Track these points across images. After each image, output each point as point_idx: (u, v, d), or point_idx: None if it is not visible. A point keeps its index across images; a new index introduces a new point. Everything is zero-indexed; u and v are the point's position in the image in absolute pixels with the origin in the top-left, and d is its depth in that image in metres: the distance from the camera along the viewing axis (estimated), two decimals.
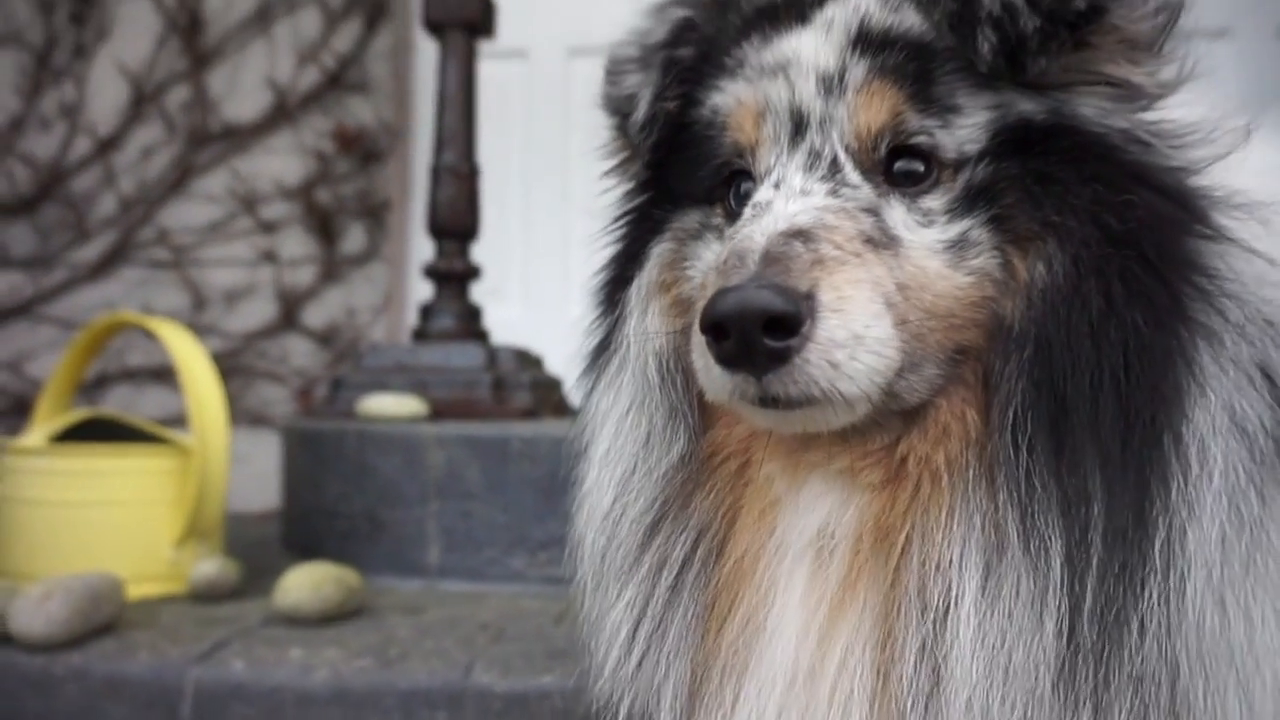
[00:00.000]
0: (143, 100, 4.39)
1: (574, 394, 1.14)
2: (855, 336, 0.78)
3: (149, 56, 4.38)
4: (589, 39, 4.39)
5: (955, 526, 0.83)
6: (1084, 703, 0.78)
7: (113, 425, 2.46)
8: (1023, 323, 0.83)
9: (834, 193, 0.87)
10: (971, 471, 0.84)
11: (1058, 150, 0.85)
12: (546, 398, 3.01)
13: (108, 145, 4.40)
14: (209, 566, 2.22)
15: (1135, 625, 0.78)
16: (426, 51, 4.05)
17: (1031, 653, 0.79)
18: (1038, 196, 0.84)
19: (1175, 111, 0.89)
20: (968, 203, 0.87)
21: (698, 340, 0.82)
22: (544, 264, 4.46)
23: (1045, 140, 0.85)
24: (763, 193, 0.89)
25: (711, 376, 0.83)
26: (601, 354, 1.07)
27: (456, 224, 3.10)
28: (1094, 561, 0.79)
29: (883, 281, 0.82)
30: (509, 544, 2.50)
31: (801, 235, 0.81)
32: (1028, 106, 0.86)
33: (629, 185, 1.11)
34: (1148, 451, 0.79)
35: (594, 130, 1.14)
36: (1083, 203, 0.82)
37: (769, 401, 0.80)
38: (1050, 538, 0.80)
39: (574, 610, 1.08)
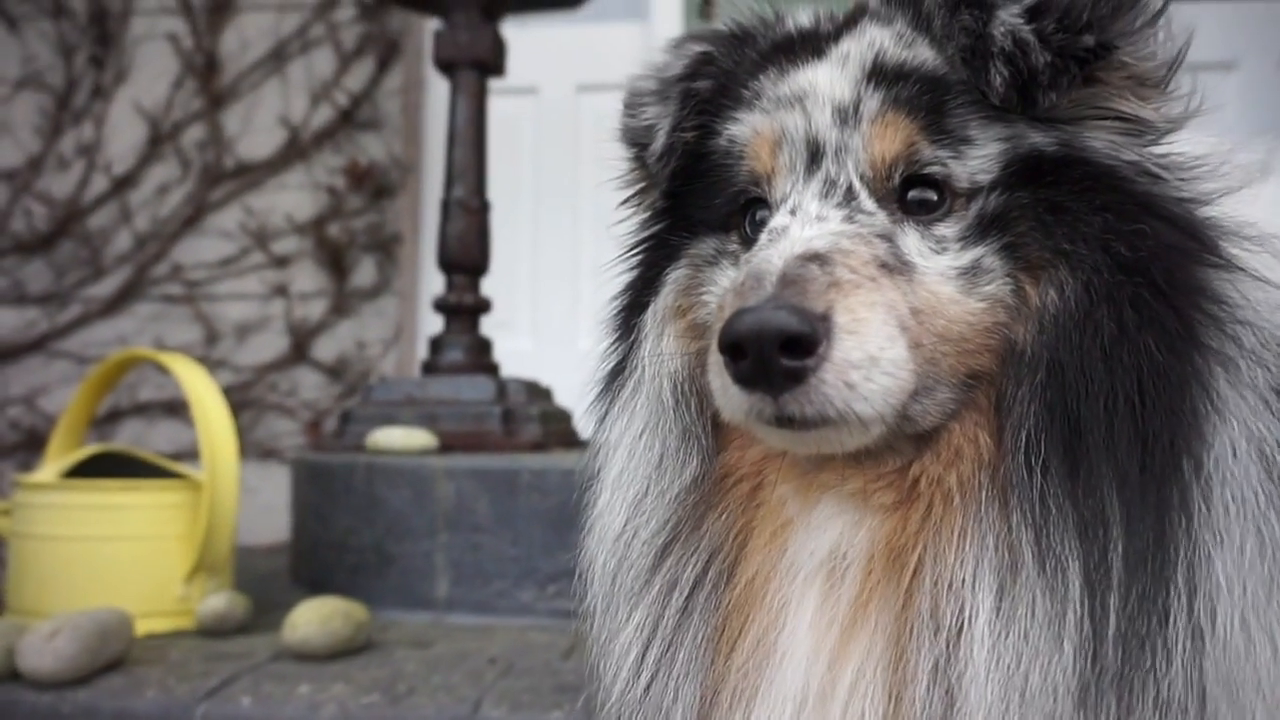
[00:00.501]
0: (159, 140, 4.47)
1: (586, 421, 1.15)
2: (871, 358, 0.79)
3: (166, 97, 4.47)
4: (597, 75, 4.45)
5: (968, 547, 0.83)
6: None
7: (124, 460, 2.48)
8: (1035, 347, 0.84)
9: (849, 219, 0.89)
10: (984, 493, 0.84)
11: (1068, 181, 0.86)
12: (556, 430, 3.01)
13: (124, 183, 4.47)
14: (218, 601, 2.22)
15: (1161, 650, 0.77)
16: (437, 88, 4.11)
17: (1049, 675, 0.78)
18: (1049, 225, 0.86)
19: (1184, 145, 0.91)
20: (980, 231, 0.88)
21: (715, 361, 0.83)
22: (553, 296, 4.49)
23: (1056, 171, 0.87)
24: (779, 219, 0.91)
25: (729, 396, 0.83)
26: (616, 378, 1.08)
27: (466, 258, 3.12)
28: (1115, 583, 0.78)
29: (897, 305, 0.83)
30: (518, 577, 2.50)
31: (817, 259, 0.83)
32: (1039, 139, 0.88)
33: (646, 214, 1.13)
34: (1167, 475, 0.79)
35: (603, 165, 1.17)
36: (1094, 231, 0.84)
37: (785, 421, 0.81)
38: (1067, 559, 0.79)
39: (583, 635, 1.08)
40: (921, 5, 0.94)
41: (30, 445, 4.33)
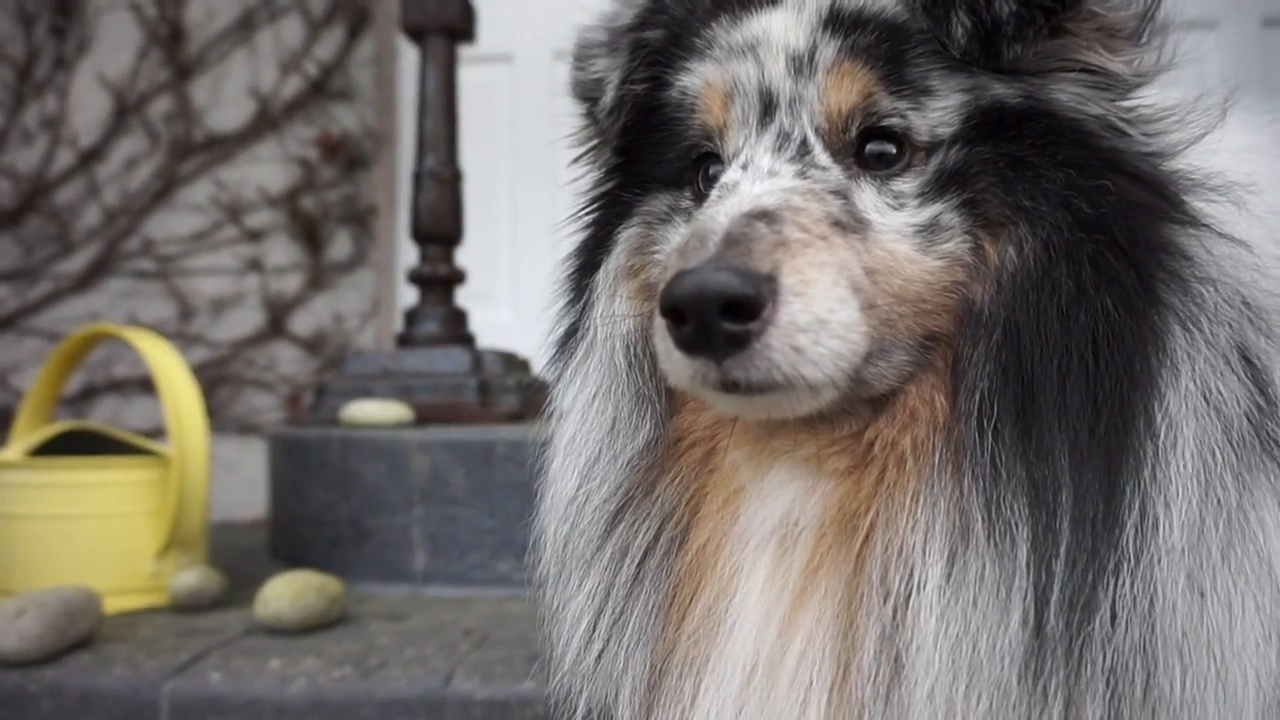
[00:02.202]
0: (125, 112, 4.38)
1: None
2: (819, 320, 0.76)
3: (131, 68, 4.37)
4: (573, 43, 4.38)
5: (919, 512, 0.81)
6: (1054, 695, 0.76)
7: (94, 437, 2.44)
8: (992, 307, 0.82)
9: (802, 174, 0.85)
10: (938, 456, 0.82)
11: (1031, 135, 0.84)
12: (533, 401, 2.99)
13: (90, 157, 4.39)
14: (190, 577, 2.20)
15: (1107, 614, 0.76)
16: (409, 57, 4.03)
17: (997, 642, 0.77)
18: (1010, 181, 0.83)
19: (1152, 96, 0.88)
20: (939, 186, 0.86)
21: (659, 324, 0.80)
22: (532, 266, 4.45)
23: (1019, 125, 0.84)
24: (730, 174, 0.87)
25: (672, 360, 0.81)
26: (569, 341, 1.06)
27: (440, 229, 3.08)
28: (1062, 548, 0.77)
29: (849, 265, 0.80)
30: (495, 548, 2.48)
31: (765, 216, 0.79)
32: (1002, 91, 0.85)
33: (599, 171, 1.09)
34: (1117, 436, 0.77)
35: (571, 134, 1.13)
36: (1055, 188, 0.81)
37: (730, 387, 0.78)
38: (1016, 524, 0.78)
39: (537, 603, 1.06)
40: None
41: (3, 423, 4.28)
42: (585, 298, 1.03)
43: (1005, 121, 0.85)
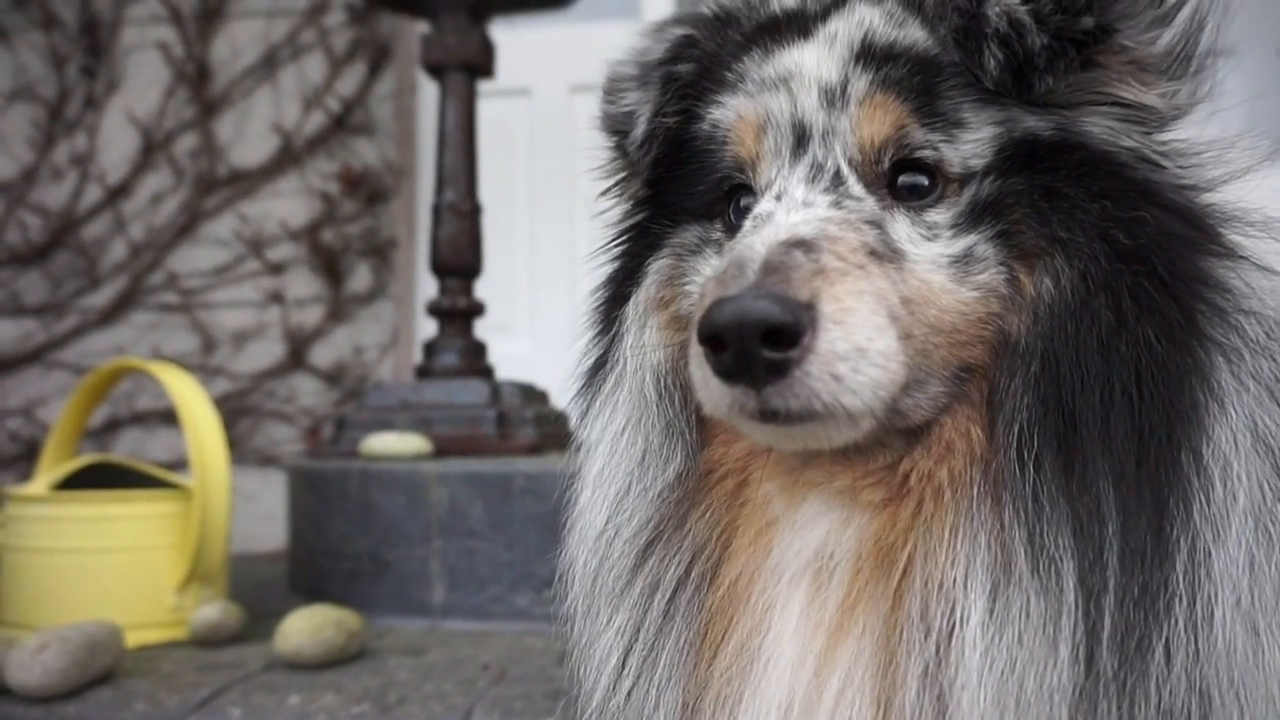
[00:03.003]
0: (152, 149, 4.47)
1: (570, 416, 1.12)
2: (858, 349, 0.75)
3: (158, 106, 4.47)
4: (591, 75, 4.42)
5: (959, 545, 0.80)
6: None
7: (118, 470, 2.46)
8: (1029, 339, 0.81)
9: (837, 204, 0.85)
10: (976, 489, 0.81)
11: (1065, 166, 0.84)
12: (551, 433, 3.00)
13: (118, 193, 4.47)
14: (211, 611, 2.21)
15: (1160, 652, 0.74)
16: (430, 91, 4.10)
17: (1045, 680, 0.75)
18: (1045, 212, 0.83)
19: (1188, 131, 0.88)
20: (973, 218, 0.85)
21: (695, 352, 0.80)
22: (550, 298, 4.48)
23: (1053, 157, 0.84)
24: (764, 205, 0.88)
25: (710, 389, 0.80)
26: (598, 373, 1.05)
27: (459, 261, 3.11)
28: (1111, 584, 0.75)
29: (886, 294, 0.80)
30: (513, 582, 2.48)
31: (803, 245, 0.79)
32: (1034, 123, 0.85)
33: (628, 203, 1.10)
34: (1165, 469, 0.76)
35: (598, 166, 1.13)
36: (1091, 219, 0.81)
37: (769, 416, 0.77)
38: (1061, 558, 0.76)
39: (565, 638, 1.05)
40: None
41: (29, 456, 4.33)
42: (615, 329, 1.03)
43: (1039, 153, 0.85)
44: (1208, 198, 0.84)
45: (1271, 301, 0.80)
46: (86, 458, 2.47)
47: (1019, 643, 0.76)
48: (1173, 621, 0.74)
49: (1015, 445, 0.79)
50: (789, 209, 0.85)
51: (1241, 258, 0.81)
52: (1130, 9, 0.85)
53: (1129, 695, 0.74)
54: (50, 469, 2.43)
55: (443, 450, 2.79)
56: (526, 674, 1.96)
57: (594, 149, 1.13)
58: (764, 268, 0.77)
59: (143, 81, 4.46)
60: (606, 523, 0.98)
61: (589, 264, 1.12)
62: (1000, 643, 0.77)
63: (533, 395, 3.13)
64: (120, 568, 2.21)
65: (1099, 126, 0.85)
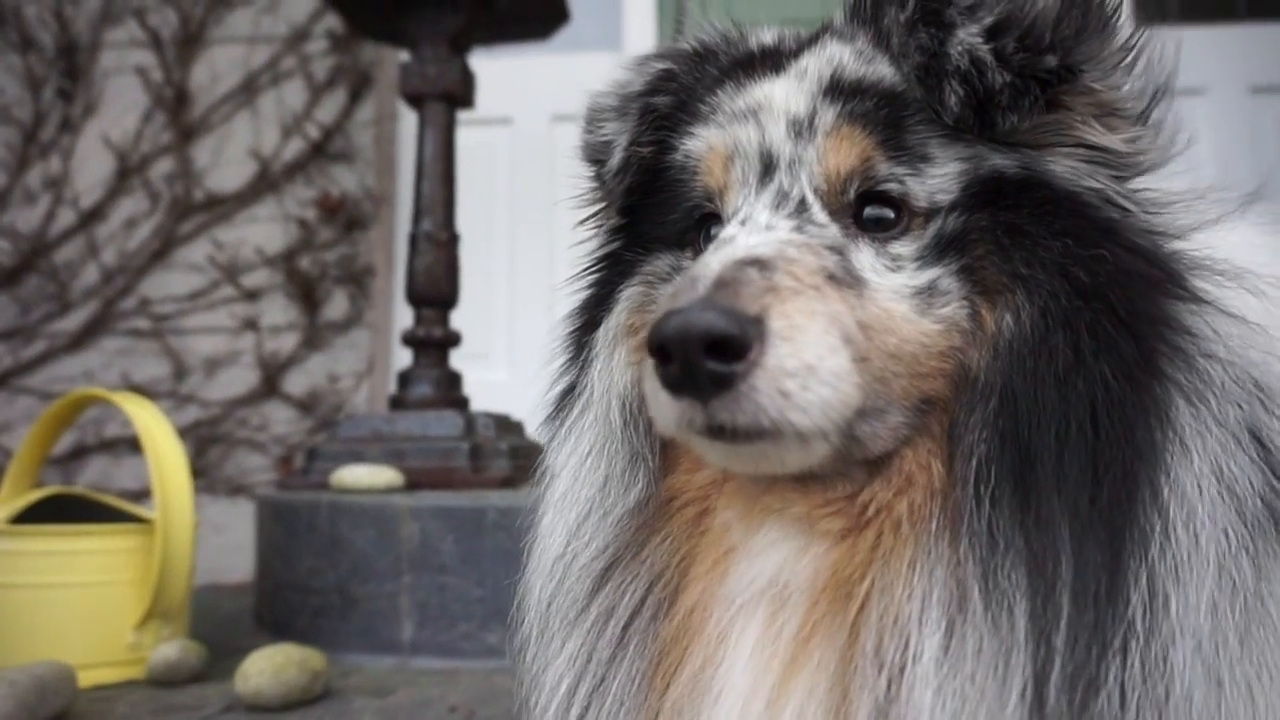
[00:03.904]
0: (127, 173, 4.43)
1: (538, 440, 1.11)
2: (807, 366, 0.75)
3: (135, 130, 4.43)
4: (572, 106, 4.44)
5: (916, 580, 0.79)
6: None
7: (80, 502, 2.40)
8: (988, 374, 0.81)
9: (799, 229, 0.86)
10: (935, 523, 0.80)
11: (1029, 204, 0.84)
12: (526, 465, 2.95)
13: (91, 217, 4.42)
14: (170, 650, 2.14)
15: (1115, 694, 0.72)
16: (410, 119, 4.08)
17: (995, 718, 0.73)
18: (1007, 249, 0.83)
19: (1158, 181, 0.88)
20: (938, 252, 0.86)
21: (647, 366, 0.79)
22: (529, 326, 4.45)
23: (1017, 194, 0.85)
24: (728, 230, 0.88)
25: (659, 403, 0.79)
26: (565, 399, 1.04)
27: (435, 291, 3.08)
28: (1062, 622, 0.73)
29: (841, 317, 0.79)
30: (484, 618, 2.43)
31: (758, 263, 0.79)
32: (1000, 161, 0.86)
33: (604, 232, 1.10)
34: (1120, 507, 0.75)
35: (577, 195, 1.14)
36: (1052, 256, 0.81)
37: (717, 432, 0.77)
38: (1014, 594, 0.75)
39: (518, 666, 1.02)
40: (882, 22, 0.92)
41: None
42: (584, 355, 1.03)
43: (1004, 190, 0.85)
44: (1175, 244, 0.84)
45: (1238, 348, 0.79)
46: (46, 489, 2.41)
47: (971, 681, 0.75)
48: (1128, 664, 0.72)
49: (973, 480, 0.78)
50: (750, 232, 0.86)
51: (1205, 302, 0.80)
52: (1095, 51, 0.85)
53: None
54: (9, 501, 2.36)
55: (415, 483, 2.74)
56: (494, 716, 1.91)
57: (575, 179, 1.14)
58: (716, 283, 0.77)
59: (120, 105, 4.42)
60: (565, 547, 0.96)
61: (567, 293, 1.12)
62: (953, 680, 0.75)
63: (508, 427, 3.09)
64: (78, 604, 2.15)
65: (1063, 167, 0.86)
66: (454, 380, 3.13)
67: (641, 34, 4.53)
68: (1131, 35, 0.88)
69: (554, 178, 4.48)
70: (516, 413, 3.17)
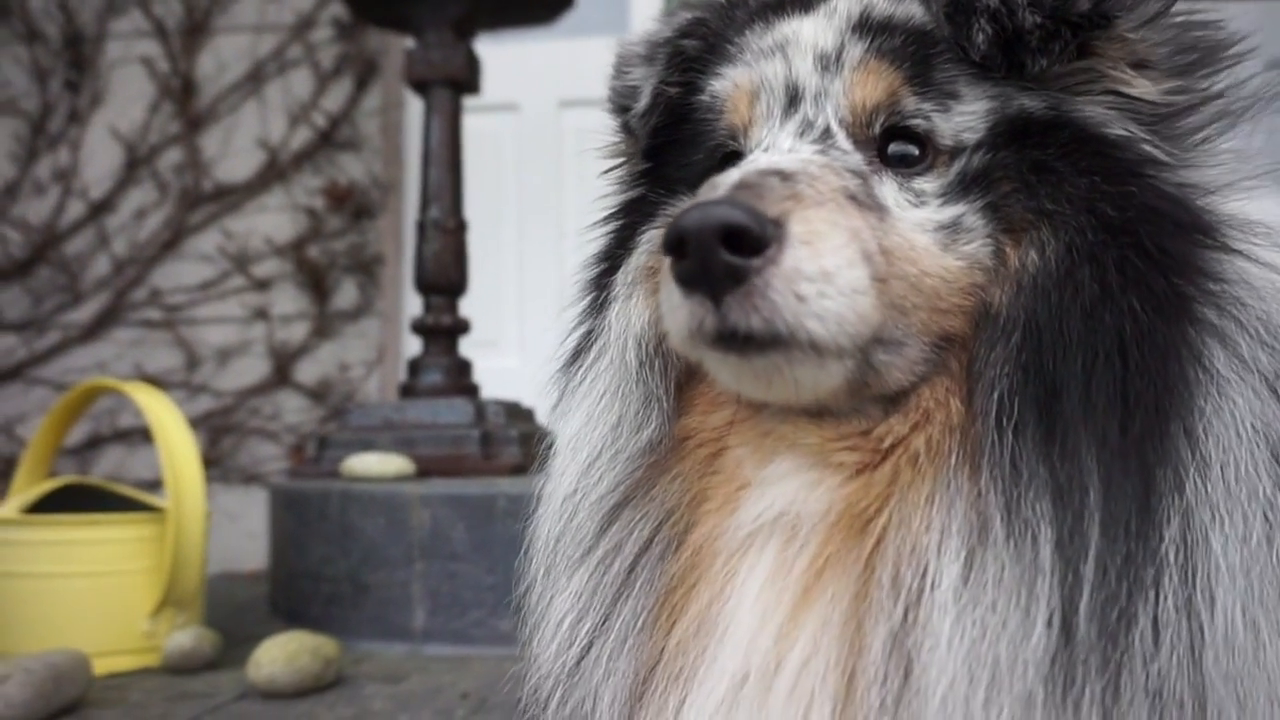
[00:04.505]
0: (136, 163, 4.43)
1: (552, 391, 1.08)
2: (824, 273, 0.73)
3: (142, 120, 4.43)
4: (579, 90, 4.42)
5: (934, 512, 0.77)
6: (1089, 711, 0.69)
7: (93, 492, 2.42)
8: (1011, 309, 0.79)
9: (822, 152, 0.85)
10: (954, 457, 0.78)
11: (1056, 143, 0.83)
12: (537, 452, 2.96)
13: (101, 208, 4.43)
14: (184, 637, 2.16)
15: (1148, 629, 0.70)
16: (417, 107, 4.07)
17: (1019, 648, 0.71)
18: (1033, 186, 0.82)
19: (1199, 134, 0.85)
20: (961, 189, 0.84)
21: (664, 272, 0.78)
22: (538, 313, 4.44)
23: (1044, 133, 0.83)
24: (751, 156, 0.87)
25: (672, 306, 0.77)
26: (582, 345, 1.03)
27: (443, 279, 3.08)
28: (1090, 552, 0.71)
29: (862, 234, 0.77)
30: (495, 605, 2.43)
31: (780, 174, 0.78)
32: (1029, 101, 0.85)
33: (627, 178, 1.09)
34: (1152, 440, 0.73)
35: (587, 180, 1.13)
36: (1079, 192, 0.79)
37: (730, 340, 0.74)
38: (1039, 525, 0.73)
39: (523, 609, 0.99)
40: None
41: (8, 474, 4.27)
42: (602, 298, 1.02)
43: (1030, 130, 0.84)
44: (1208, 199, 0.82)
45: (1271, 297, 0.77)
46: (60, 479, 2.42)
47: (992, 610, 0.72)
48: (1160, 597, 0.70)
49: (994, 413, 0.76)
50: (773, 154, 0.85)
51: (1236, 251, 0.78)
52: (1130, 1, 0.83)
53: (1111, 671, 0.70)
54: (23, 491, 2.38)
55: (426, 470, 2.75)
56: (505, 703, 1.91)
57: (583, 165, 1.12)
58: (738, 185, 0.76)
59: (127, 96, 4.42)
60: (575, 487, 0.94)
61: (586, 240, 1.10)
62: (973, 610, 0.73)
63: (518, 413, 3.09)
64: (92, 593, 2.16)
65: (1093, 111, 0.84)
66: (464, 368, 3.12)
67: (647, 17, 4.49)
68: None
69: (562, 163, 4.46)
70: (527, 399, 3.16)
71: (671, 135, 1.02)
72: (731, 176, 0.78)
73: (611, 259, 1.03)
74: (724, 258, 0.72)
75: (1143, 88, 0.84)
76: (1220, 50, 0.86)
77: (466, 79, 3.12)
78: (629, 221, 1.04)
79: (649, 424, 0.93)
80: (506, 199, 4.52)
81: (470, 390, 3.10)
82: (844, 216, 0.77)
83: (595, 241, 1.07)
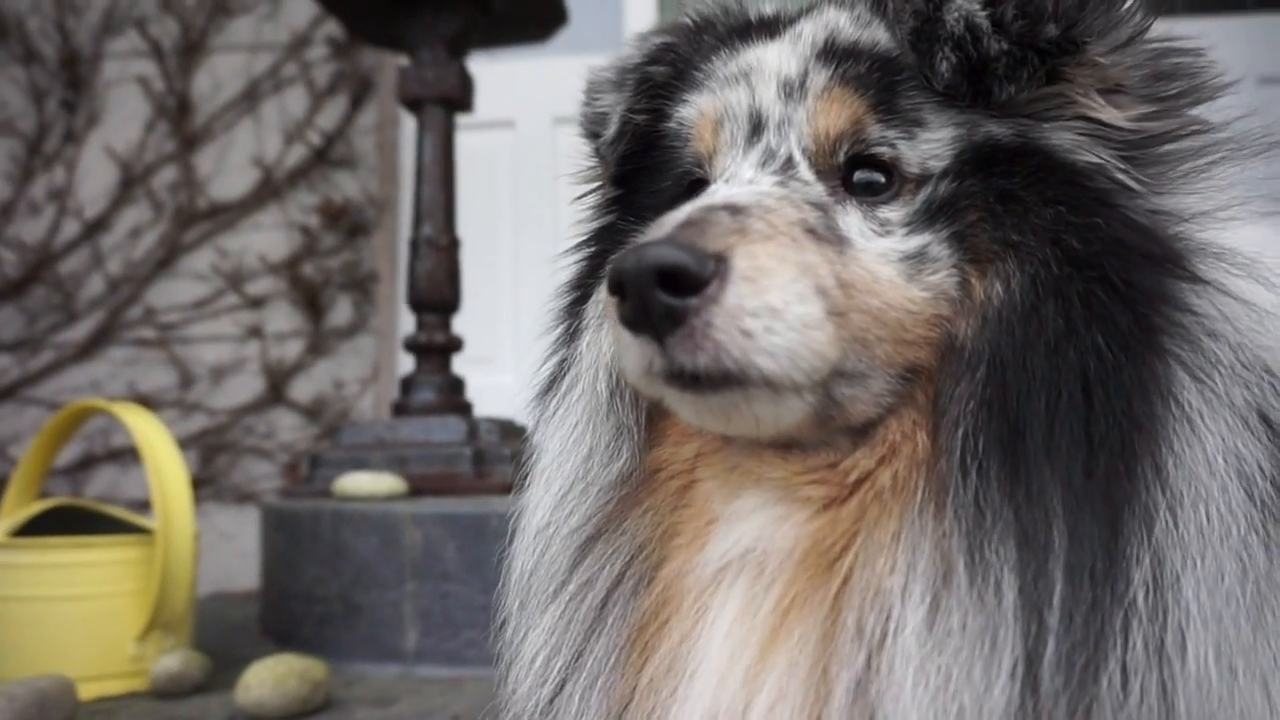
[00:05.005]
0: (131, 182, 4.43)
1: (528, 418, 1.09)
2: (770, 308, 0.72)
3: (138, 140, 4.44)
4: (575, 108, 4.43)
5: (899, 552, 0.76)
6: None
7: (82, 513, 2.40)
8: (976, 343, 0.78)
9: (782, 184, 0.84)
10: (920, 495, 0.77)
11: (1023, 171, 0.81)
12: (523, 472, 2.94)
13: (96, 227, 4.43)
14: (172, 661, 2.13)
15: (1117, 677, 0.68)
16: (412, 125, 4.08)
17: (983, 699, 0.69)
18: (999, 215, 0.81)
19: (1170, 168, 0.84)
20: (928, 218, 0.83)
21: (611, 312, 0.78)
22: (534, 329, 4.42)
23: (1011, 161, 0.82)
24: (712, 188, 0.87)
25: (622, 347, 0.77)
26: (555, 375, 1.03)
27: (436, 296, 3.07)
28: (1054, 597, 0.70)
29: (815, 268, 0.76)
30: (488, 626, 2.38)
31: (731, 209, 0.77)
32: (996, 128, 0.83)
33: (598, 205, 1.09)
34: (1118, 481, 0.71)
35: (577, 172, 1.13)
36: (1044, 223, 0.78)
37: (681, 379, 0.74)
38: (1002, 569, 0.71)
39: (500, 644, 0.99)
40: None
41: (2, 493, 4.25)
42: (574, 328, 1.02)
43: (998, 157, 0.82)
44: (1180, 228, 0.80)
45: (1246, 330, 0.76)
46: (49, 501, 2.41)
47: (955, 658, 0.71)
48: (1129, 643, 0.69)
49: (959, 451, 0.75)
50: (732, 186, 0.84)
51: (1210, 283, 0.77)
52: (1101, 24, 0.81)
53: None
54: (11, 513, 2.36)
55: (418, 489, 2.73)
56: None
57: (577, 181, 1.12)
58: (683, 223, 0.75)
59: (123, 115, 4.43)
60: (548, 519, 0.94)
61: (560, 267, 1.10)
62: (936, 657, 0.72)
63: (511, 431, 3.07)
64: (79, 616, 2.14)
65: (1062, 138, 0.82)
66: (457, 385, 3.11)
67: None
68: (1141, 6, 0.84)
69: (557, 180, 4.46)
70: (522, 416, 3.15)
71: (641, 162, 1.01)
72: (679, 214, 0.77)
73: (582, 287, 1.03)
74: (661, 299, 0.71)
75: (1113, 114, 0.83)
76: (1201, 77, 0.85)
77: (460, 97, 3.12)
78: (600, 249, 1.04)
79: (620, 456, 0.93)
80: (501, 216, 4.52)
81: (463, 408, 3.08)
82: (795, 250, 0.76)
83: (567, 269, 1.07)
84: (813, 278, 0.75)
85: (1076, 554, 0.70)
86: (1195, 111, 0.85)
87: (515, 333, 4.47)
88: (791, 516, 0.82)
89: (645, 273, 0.71)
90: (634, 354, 0.76)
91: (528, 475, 1.01)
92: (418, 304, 3.08)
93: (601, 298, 0.98)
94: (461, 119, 3.20)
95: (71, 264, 4.43)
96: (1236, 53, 4.23)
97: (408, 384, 3.09)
